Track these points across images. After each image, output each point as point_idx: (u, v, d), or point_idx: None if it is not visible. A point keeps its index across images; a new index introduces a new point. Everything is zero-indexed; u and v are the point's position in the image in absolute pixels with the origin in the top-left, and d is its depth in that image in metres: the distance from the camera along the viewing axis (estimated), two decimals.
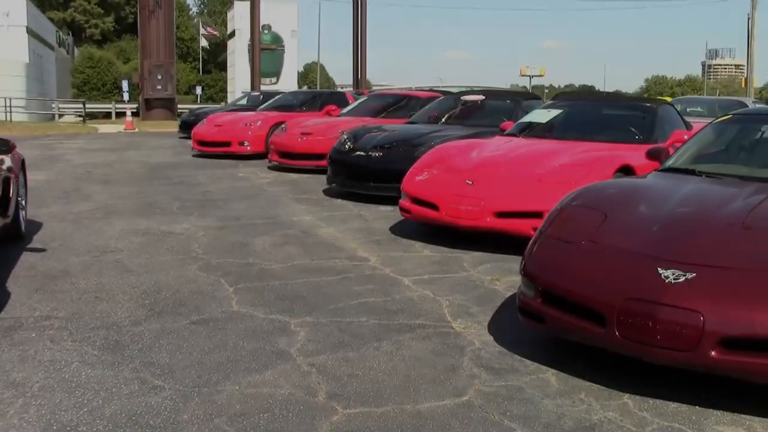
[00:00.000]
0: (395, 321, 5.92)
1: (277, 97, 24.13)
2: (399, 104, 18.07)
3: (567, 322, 4.88)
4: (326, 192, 13.17)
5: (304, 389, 4.57)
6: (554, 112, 11.37)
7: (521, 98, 14.39)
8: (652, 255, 4.83)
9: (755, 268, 4.60)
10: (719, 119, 7.56)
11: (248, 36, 47.62)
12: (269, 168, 17.03)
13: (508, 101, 14.38)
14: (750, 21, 49.66)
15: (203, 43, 77.30)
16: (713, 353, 4.27)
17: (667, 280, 4.56)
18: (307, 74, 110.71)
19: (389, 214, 10.73)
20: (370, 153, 12.27)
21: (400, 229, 9.78)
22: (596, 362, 5.03)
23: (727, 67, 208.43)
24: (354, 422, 4.16)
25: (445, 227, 8.96)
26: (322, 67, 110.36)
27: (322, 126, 16.47)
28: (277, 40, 60.85)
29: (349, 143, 12.80)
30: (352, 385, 4.64)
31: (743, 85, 56.02)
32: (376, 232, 9.70)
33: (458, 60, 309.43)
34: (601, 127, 10.82)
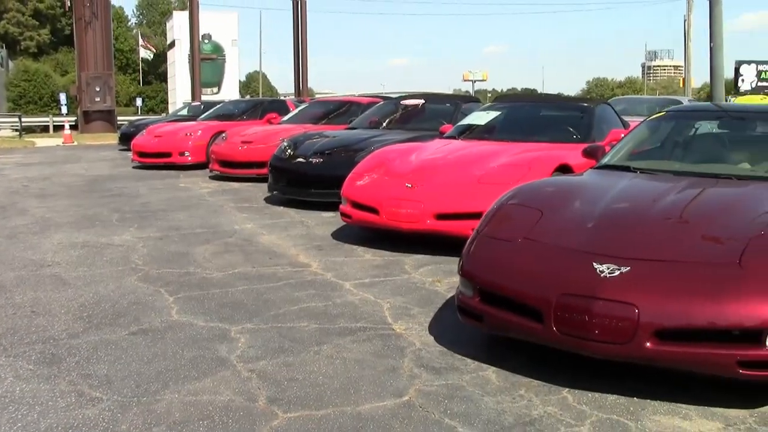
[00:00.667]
0: (336, 325, 5.92)
1: (217, 106, 24.01)
2: (340, 111, 18.05)
3: (505, 319, 4.91)
4: (268, 200, 13.12)
5: (245, 395, 4.55)
6: (493, 114, 11.45)
7: (460, 101, 14.45)
8: (588, 251, 4.88)
9: (688, 261, 4.68)
10: (653, 116, 7.67)
11: (188, 46, 47.15)
12: (210, 178, 16.94)
13: (447, 104, 14.44)
14: (686, 23, 50.30)
15: (143, 54, 76.55)
16: (649, 345, 4.33)
17: (602, 275, 4.61)
18: (249, 84, 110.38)
19: (331, 220, 10.72)
20: (310, 159, 12.26)
21: (341, 235, 9.78)
22: (536, 359, 5.07)
23: (666, 68, 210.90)
24: (294, 426, 4.15)
25: (386, 231, 8.97)
26: (265, 77, 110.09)
27: (263, 134, 16.42)
28: (217, 49, 60.49)
29: (289, 150, 12.77)
30: (292, 390, 4.63)
31: (681, 85, 56.73)
32: (317, 238, 9.69)
33: (401, 67, 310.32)
34: (540, 128, 10.92)
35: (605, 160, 6.94)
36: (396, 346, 5.45)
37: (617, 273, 4.60)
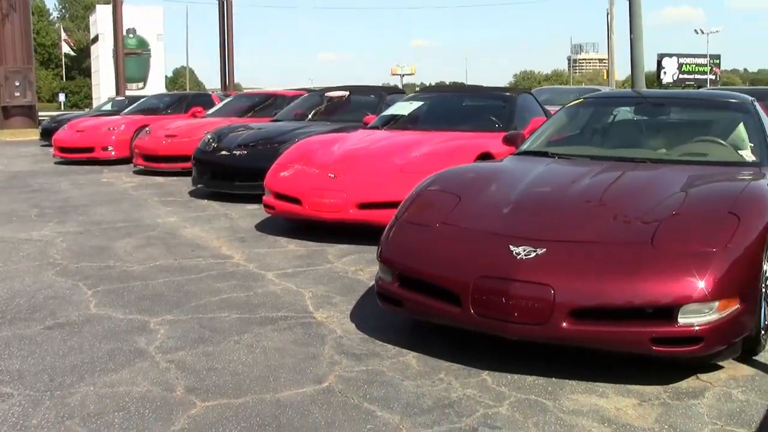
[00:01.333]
0: (257, 314, 5.89)
1: (141, 100, 23.74)
2: (265, 104, 17.97)
3: (424, 304, 4.93)
4: (192, 193, 13.02)
5: (162, 385, 4.51)
6: (416, 104, 11.50)
7: (385, 92, 14.47)
8: (504, 234, 4.93)
9: (602, 241, 4.75)
10: (571, 103, 7.76)
11: (112, 41, 46.52)
12: (135, 172, 16.76)
13: (371, 96, 14.43)
14: (609, 16, 50.89)
15: (65, 49, 75.46)
16: (565, 325, 4.38)
17: (518, 257, 4.66)
18: (176, 79, 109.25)
19: (256, 212, 10.68)
20: (234, 152, 12.21)
21: (265, 227, 9.74)
22: (457, 343, 5.12)
23: (591, 61, 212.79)
24: (212, 414, 4.12)
25: (309, 222, 8.96)
26: (192, 72, 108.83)
27: (187, 127, 16.27)
28: (142, 44, 59.80)
29: (213, 143, 12.69)
30: (211, 379, 4.60)
31: (605, 77, 57.45)
32: (241, 230, 9.64)
33: (330, 62, 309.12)
34: (462, 117, 11.00)
35: (524, 147, 7.02)
36: (317, 333, 5.44)
37: (533, 255, 4.66)
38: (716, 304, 4.37)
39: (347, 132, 10.82)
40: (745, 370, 4.82)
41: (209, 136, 13.02)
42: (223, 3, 45.08)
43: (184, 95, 24.71)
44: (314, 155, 9.46)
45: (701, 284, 4.34)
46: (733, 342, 4.62)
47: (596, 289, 4.44)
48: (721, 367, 4.82)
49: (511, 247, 4.76)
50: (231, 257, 7.99)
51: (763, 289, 4.94)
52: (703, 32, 78.05)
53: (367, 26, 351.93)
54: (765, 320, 5.04)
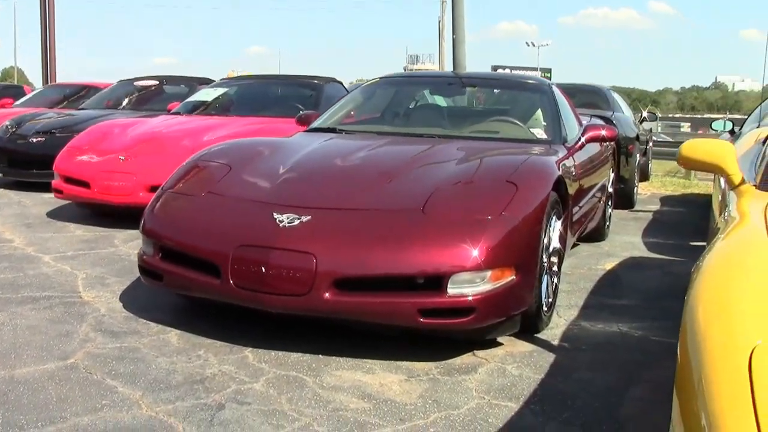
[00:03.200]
0: (19, 294, 5.44)
1: None
2: (78, 95, 17.16)
3: (184, 276, 4.59)
4: None
5: None
6: (221, 90, 11.14)
7: (196, 82, 14.00)
8: (270, 202, 4.64)
9: (372, 209, 4.50)
10: (368, 82, 7.53)
11: None
12: None
13: (182, 86, 13.97)
14: (440, 23, 51.44)
15: None
16: (328, 295, 4.10)
17: (281, 225, 4.36)
18: (4, 79, 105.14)
19: (52, 201, 10.04)
20: (31, 139, 11.50)
21: (57, 214, 9.16)
22: (228, 322, 4.83)
23: (428, 70, 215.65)
24: None
25: (100, 207, 8.49)
26: (22, 72, 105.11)
27: None
28: None
29: (11, 130, 11.96)
30: None
31: None
32: (31, 216, 9.04)
33: (167, 65, 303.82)
34: (267, 104, 10.69)
35: (315, 124, 6.74)
36: (78, 312, 5.04)
37: (297, 222, 4.37)
38: (489, 273, 4.16)
39: (148, 118, 10.32)
40: (524, 346, 4.66)
41: (7, 123, 12.26)
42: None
43: None
44: (107, 139, 8.99)
45: (473, 252, 4.12)
46: (509, 315, 4.43)
47: (361, 258, 4.17)
48: (499, 344, 4.66)
49: (274, 214, 4.46)
50: (11, 241, 7.44)
51: (545, 263, 4.77)
52: (534, 45, 79.98)
53: (203, 30, 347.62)
54: (548, 297, 4.88)
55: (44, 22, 39.33)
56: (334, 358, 4.32)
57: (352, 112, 7.00)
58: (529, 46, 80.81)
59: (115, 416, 3.49)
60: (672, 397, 2.15)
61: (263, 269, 4.18)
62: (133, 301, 5.35)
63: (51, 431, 3.32)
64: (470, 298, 4.10)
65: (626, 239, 8.46)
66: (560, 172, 5.16)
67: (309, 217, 4.39)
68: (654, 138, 16.61)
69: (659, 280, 6.53)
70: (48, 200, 10.13)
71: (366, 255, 4.17)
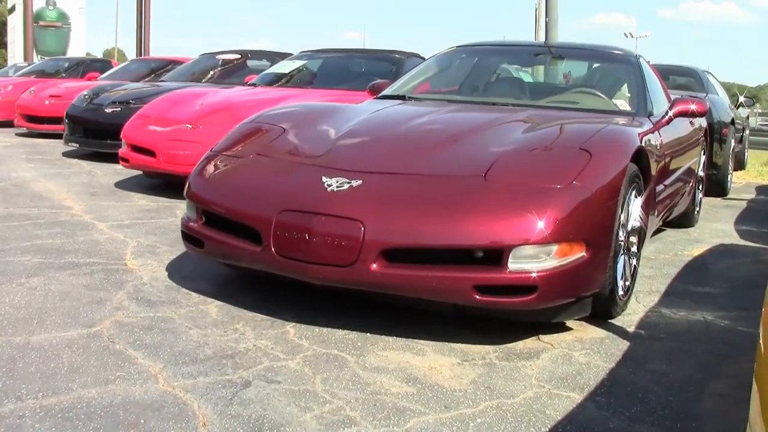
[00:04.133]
0: (62, 260, 5.16)
1: (36, 63, 22.60)
2: (164, 69, 17.01)
3: (225, 243, 4.23)
4: (67, 154, 12.10)
5: None
6: (300, 63, 10.81)
7: (280, 57, 13.70)
8: (320, 164, 4.26)
9: (429, 174, 4.09)
10: (445, 51, 7.09)
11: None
12: (17, 134, 15.73)
13: (264, 60, 13.68)
14: (536, 12, 50.61)
15: None
16: (375, 267, 3.71)
17: (329, 189, 3.98)
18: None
19: (123, 172, 9.84)
20: (106, 109, 11.32)
21: (125, 184, 8.95)
22: (278, 295, 4.49)
23: None
24: None
25: (166, 176, 8.23)
26: (122, 53, 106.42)
27: (74, 89, 15.26)
28: (62, 17, 57.57)
29: (87, 99, 11.80)
30: None
31: None
32: (98, 185, 8.83)
33: (267, 48, 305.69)
34: (348, 77, 10.33)
35: (385, 92, 6.34)
36: (118, 280, 4.74)
37: (347, 186, 3.98)
38: (555, 248, 3.72)
39: (222, 89, 10.04)
40: (595, 332, 4.22)
41: (85, 93, 12.13)
42: None
43: (83, 60, 23.51)
44: (176, 107, 8.73)
45: (539, 223, 3.68)
46: (577, 296, 3.98)
47: (413, 227, 3.76)
48: (568, 329, 4.23)
49: (323, 178, 4.07)
50: (70, 208, 7.20)
51: (621, 241, 4.31)
52: (632, 36, 78.40)
53: (305, 17, 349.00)
54: (624, 279, 4.42)
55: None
56: (382, 337, 3.93)
57: (426, 83, 6.56)
58: (627, 37, 78.93)
59: (125, 390, 3.14)
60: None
61: (307, 236, 3.81)
62: (179, 270, 5.03)
63: (51, 403, 2.98)
64: (534, 275, 3.66)
65: (717, 226, 7.92)
66: (642, 144, 4.68)
67: (360, 182, 4.00)
68: (751, 126, 15.86)
69: (750, 268, 6.01)
70: (119, 171, 9.92)
71: (418, 224, 3.76)
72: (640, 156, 4.61)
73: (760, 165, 16.40)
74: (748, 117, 15.06)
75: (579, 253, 3.82)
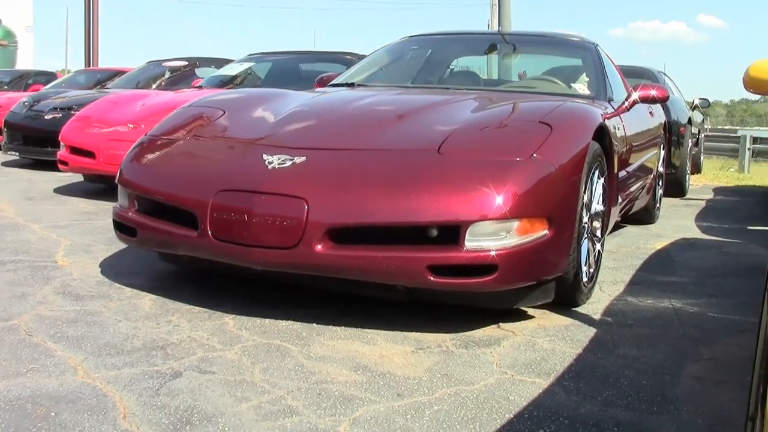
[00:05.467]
0: None
1: None
2: (111, 80, 16.59)
3: (158, 230, 3.90)
4: (7, 163, 11.64)
5: None
6: (248, 65, 10.50)
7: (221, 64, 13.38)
8: (261, 143, 3.94)
9: (378, 149, 3.78)
10: (396, 42, 6.80)
11: None
12: None
13: (213, 66, 13.33)
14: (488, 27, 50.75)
15: None
16: (320, 248, 3.39)
17: (270, 166, 3.66)
18: None
19: (64, 178, 9.47)
20: (46, 116, 10.91)
21: (65, 189, 8.56)
22: (221, 288, 4.19)
23: None
24: None
25: (109, 180, 7.83)
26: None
27: (15, 99, 14.78)
28: (8, 35, 56.76)
29: (27, 106, 11.38)
30: None
31: None
32: (36, 191, 8.43)
33: None
34: (297, 78, 9.99)
35: (333, 82, 6.04)
36: (45, 276, 4.39)
37: (289, 163, 3.66)
38: (515, 224, 3.42)
39: (164, 91, 9.70)
40: (560, 320, 3.94)
41: (25, 100, 11.71)
42: None
43: (26, 72, 22.93)
44: (116, 109, 8.38)
45: (497, 198, 3.38)
46: (539, 279, 3.69)
47: (361, 204, 3.44)
48: (530, 317, 3.95)
49: (264, 156, 3.75)
50: (2, 211, 6.81)
51: (585, 224, 4.03)
52: None
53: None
54: (588, 266, 4.14)
55: (88, 11, 38.68)
56: (330, 327, 3.62)
57: (377, 74, 6.25)
58: None
59: (37, 382, 2.80)
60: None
61: (246, 218, 3.48)
62: (114, 267, 4.70)
63: None
64: (493, 253, 3.35)
65: (678, 222, 7.71)
66: (604, 123, 4.41)
67: (303, 158, 3.68)
68: (706, 130, 15.79)
69: (716, 259, 5.76)
70: (60, 177, 9.56)
71: (367, 201, 3.44)
72: (602, 134, 4.35)
73: (716, 170, 16.36)
74: (703, 121, 14.92)
75: (541, 231, 3.53)
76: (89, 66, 37.65)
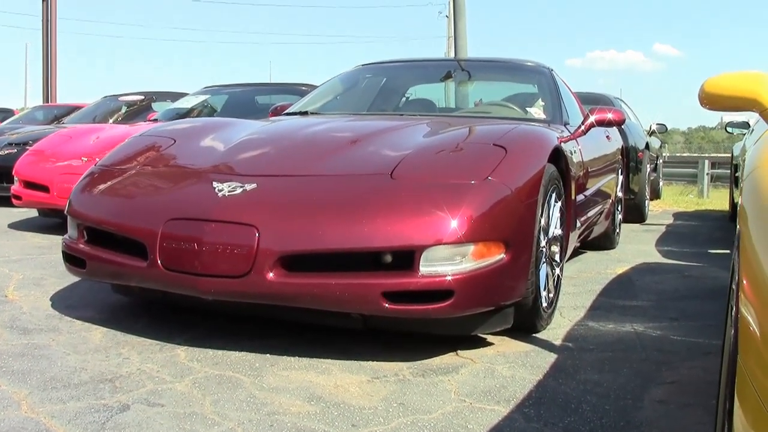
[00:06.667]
0: None
1: None
2: (67, 115, 16.45)
3: (108, 261, 3.81)
4: None
5: None
6: (203, 98, 10.44)
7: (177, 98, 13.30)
8: (211, 171, 3.87)
9: (330, 174, 3.72)
10: (349, 70, 6.75)
11: None
12: None
13: (168, 100, 13.24)
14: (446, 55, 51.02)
15: None
16: (272, 276, 3.31)
17: (220, 194, 3.59)
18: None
19: (18, 214, 9.35)
20: (0, 151, 10.78)
21: (20, 224, 8.44)
22: (174, 321, 4.09)
23: None
24: None
25: (61, 213, 7.71)
26: None
27: None
28: None
29: None
30: None
31: None
32: None
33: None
34: (253, 110, 9.90)
35: (287, 111, 5.98)
36: None
37: (239, 191, 3.60)
38: (471, 248, 3.36)
39: (119, 125, 9.63)
40: (519, 346, 3.87)
41: None
42: (47, 12, 42.44)
43: None
44: (71, 141, 8.33)
45: (452, 222, 3.32)
46: (497, 304, 3.63)
47: (313, 230, 3.36)
48: (489, 344, 3.88)
49: (214, 183, 3.69)
50: None
51: (543, 248, 3.98)
52: None
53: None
54: (547, 291, 4.09)
55: (46, 39, 38.37)
56: (283, 357, 3.54)
57: (331, 103, 6.20)
58: None
59: None
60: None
61: (196, 246, 3.40)
62: (65, 300, 4.60)
63: None
64: (449, 278, 3.29)
65: (638, 247, 7.70)
66: (559, 145, 4.38)
67: (254, 185, 3.62)
68: (664, 157, 15.88)
69: (677, 283, 5.74)
70: (14, 213, 9.44)
71: (319, 227, 3.37)
72: (558, 157, 4.31)
73: (675, 195, 16.44)
74: (661, 147, 15.01)
75: (498, 255, 3.47)
76: (47, 102, 37.43)
